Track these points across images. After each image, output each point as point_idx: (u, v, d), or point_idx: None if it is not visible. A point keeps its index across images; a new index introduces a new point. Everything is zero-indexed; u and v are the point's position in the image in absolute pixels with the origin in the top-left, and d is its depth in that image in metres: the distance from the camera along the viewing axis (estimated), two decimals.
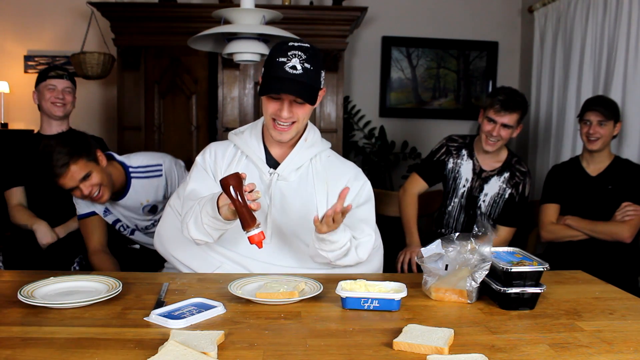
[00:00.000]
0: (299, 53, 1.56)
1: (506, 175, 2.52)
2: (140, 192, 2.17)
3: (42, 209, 2.40)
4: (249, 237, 1.35)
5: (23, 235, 2.36)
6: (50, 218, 2.37)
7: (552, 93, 3.58)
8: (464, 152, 2.59)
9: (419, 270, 1.93)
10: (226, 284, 1.43)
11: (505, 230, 2.52)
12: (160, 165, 2.19)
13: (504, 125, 2.43)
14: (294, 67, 1.55)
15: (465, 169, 2.57)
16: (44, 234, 2.31)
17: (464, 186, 2.56)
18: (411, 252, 2.44)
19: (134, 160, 2.19)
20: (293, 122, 1.63)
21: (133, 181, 2.16)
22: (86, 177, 1.98)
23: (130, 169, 2.16)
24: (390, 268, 2.40)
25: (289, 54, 1.56)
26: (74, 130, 2.58)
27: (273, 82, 1.57)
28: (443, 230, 2.62)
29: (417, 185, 2.63)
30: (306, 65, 1.56)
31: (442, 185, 2.66)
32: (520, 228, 2.63)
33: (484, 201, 2.54)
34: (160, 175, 2.18)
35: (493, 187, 2.53)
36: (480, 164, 2.56)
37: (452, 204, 2.59)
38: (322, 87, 1.66)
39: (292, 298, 1.34)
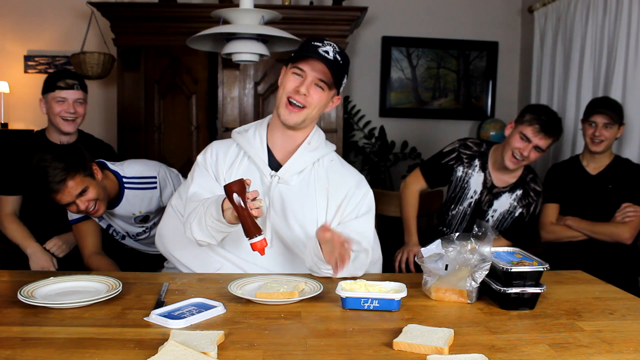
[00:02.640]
0: (334, 45, 1.63)
1: (519, 192, 2.40)
2: (134, 202, 2.11)
3: (38, 217, 2.32)
4: (251, 244, 1.35)
5: (17, 249, 2.25)
6: (47, 225, 2.30)
7: (552, 93, 3.58)
8: (477, 162, 2.44)
9: (417, 269, 1.92)
10: (226, 284, 1.43)
11: (503, 242, 2.40)
12: (155, 177, 2.13)
13: (536, 148, 2.29)
14: (326, 52, 1.60)
15: (475, 181, 2.44)
16: (36, 262, 2.17)
17: (472, 197, 2.44)
18: (409, 252, 2.39)
19: (128, 170, 2.12)
20: (304, 108, 1.62)
21: (126, 192, 2.09)
22: (83, 193, 1.91)
23: (124, 179, 2.09)
24: (391, 268, 2.39)
25: (324, 41, 1.62)
26: (84, 133, 2.47)
27: (304, 54, 1.60)
28: (445, 229, 2.56)
29: (418, 183, 2.54)
30: (337, 56, 1.61)
31: (447, 188, 2.55)
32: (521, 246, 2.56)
33: (492, 216, 2.43)
34: (155, 187, 2.13)
35: (503, 204, 2.41)
36: (492, 179, 2.42)
37: (457, 209, 2.50)
38: (340, 91, 1.68)
39: (292, 298, 1.34)
